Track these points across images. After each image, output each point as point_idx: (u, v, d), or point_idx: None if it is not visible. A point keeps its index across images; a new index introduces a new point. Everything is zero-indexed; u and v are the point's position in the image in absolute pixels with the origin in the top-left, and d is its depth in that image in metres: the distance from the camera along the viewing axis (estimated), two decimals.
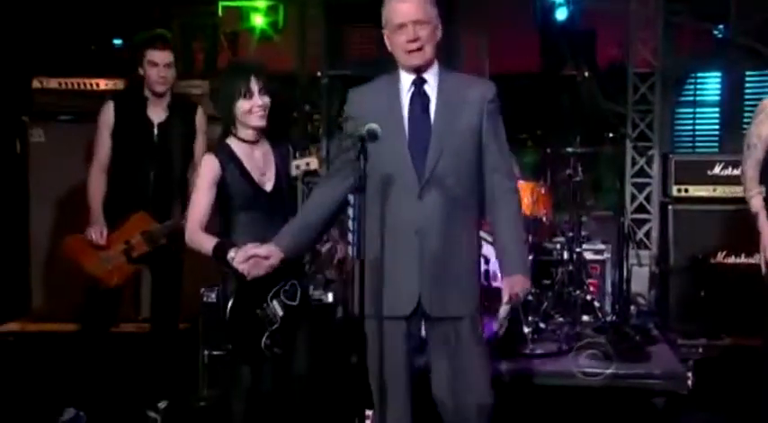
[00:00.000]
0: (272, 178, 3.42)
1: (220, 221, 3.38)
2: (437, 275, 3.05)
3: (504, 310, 3.10)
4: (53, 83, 5.76)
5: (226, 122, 3.39)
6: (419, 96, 3.10)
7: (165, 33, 4.27)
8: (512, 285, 3.06)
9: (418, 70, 3.09)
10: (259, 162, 3.40)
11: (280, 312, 3.33)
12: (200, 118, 4.33)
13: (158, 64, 4.14)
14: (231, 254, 3.20)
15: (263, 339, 3.29)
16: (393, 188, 3.04)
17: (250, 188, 3.35)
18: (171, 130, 4.24)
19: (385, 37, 3.13)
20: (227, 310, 3.27)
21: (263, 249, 3.15)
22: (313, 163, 4.04)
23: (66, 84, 5.75)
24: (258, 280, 3.22)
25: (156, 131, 4.22)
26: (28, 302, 5.80)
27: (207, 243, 3.27)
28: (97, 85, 5.75)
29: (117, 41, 7.08)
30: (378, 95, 3.15)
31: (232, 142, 3.38)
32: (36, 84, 5.78)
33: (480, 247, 3.28)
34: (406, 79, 3.11)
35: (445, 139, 3.04)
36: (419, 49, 3.03)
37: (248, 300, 3.30)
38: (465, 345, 3.09)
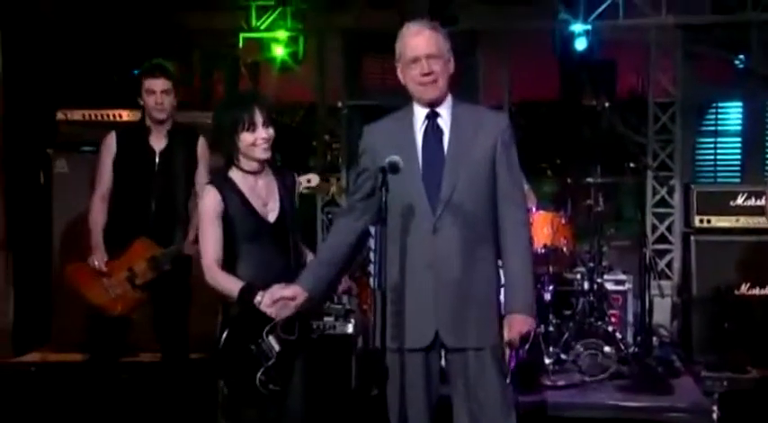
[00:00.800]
0: (276, 208, 3.36)
1: (224, 253, 3.31)
2: (454, 307, 3.04)
3: (506, 352, 3.08)
4: (77, 115, 5.83)
5: (228, 153, 3.34)
6: (433, 130, 3.12)
7: (162, 62, 4.29)
8: (510, 326, 3.05)
9: (432, 104, 3.12)
10: (262, 192, 3.35)
11: (276, 347, 3.24)
12: (201, 146, 4.34)
13: (155, 91, 4.17)
14: (258, 298, 3.17)
15: (258, 375, 3.20)
16: (408, 221, 3.05)
17: (253, 219, 3.30)
18: (172, 158, 4.25)
19: (398, 71, 3.17)
20: (220, 344, 3.22)
21: (288, 291, 3.16)
22: (314, 179, 4.00)
23: (89, 115, 5.82)
24: (255, 314, 3.19)
25: (157, 159, 4.24)
26: (49, 332, 5.81)
27: (231, 286, 3.22)
28: (120, 116, 5.79)
29: (138, 72, 7.14)
30: (392, 130, 3.19)
31: (234, 173, 3.33)
32: (60, 116, 5.84)
33: (499, 276, 3.24)
34: (420, 113, 3.14)
35: (459, 171, 3.05)
36: (433, 82, 3.07)
37: (243, 334, 3.23)
38: (486, 376, 3.07)
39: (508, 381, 3.12)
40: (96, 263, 4.14)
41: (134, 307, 4.20)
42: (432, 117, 3.13)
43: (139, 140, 4.26)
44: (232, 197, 3.27)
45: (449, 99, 3.16)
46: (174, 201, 4.26)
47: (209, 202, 3.27)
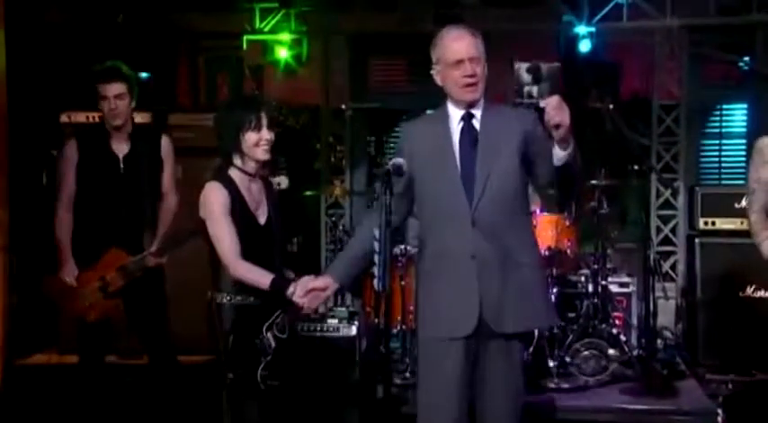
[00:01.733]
0: (265, 213, 3.42)
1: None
2: (497, 295, 3.17)
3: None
4: (81, 117, 5.82)
5: (227, 152, 3.37)
6: (468, 130, 3.26)
7: (116, 64, 4.18)
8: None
9: (469, 105, 3.26)
10: (255, 195, 3.40)
11: (273, 344, 3.32)
12: (165, 146, 4.28)
13: (108, 97, 4.08)
14: (291, 289, 3.24)
15: (259, 370, 3.27)
16: (448, 217, 3.20)
17: (247, 220, 3.35)
18: (137, 162, 4.18)
19: (435, 72, 3.29)
20: (229, 341, 3.27)
21: (319, 281, 3.29)
22: (283, 182, 4.00)
23: (93, 117, 5.81)
24: (254, 311, 3.27)
25: (122, 165, 4.16)
26: (54, 334, 5.81)
27: (262, 278, 3.26)
28: None
29: (143, 75, 7.16)
30: (430, 129, 3.33)
31: (233, 172, 3.36)
32: (64, 118, 5.85)
33: (540, 263, 3.41)
34: (456, 114, 3.28)
35: (491, 166, 3.18)
36: (475, 85, 3.20)
37: (247, 330, 3.30)
38: (512, 363, 3.25)
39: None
40: (67, 278, 4.14)
41: (108, 313, 4.18)
42: (467, 118, 3.27)
43: (101, 146, 4.16)
44: (233, 195, 3.31)
45: (482, 100, 3.30)
46: (143, 205, 4.20)
47: (218, 197, 3.28)
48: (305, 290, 3.24)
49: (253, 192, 3.39)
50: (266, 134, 3.32)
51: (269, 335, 3.31)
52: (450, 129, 3.27)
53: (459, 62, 3.17)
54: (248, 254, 3.31)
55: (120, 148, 4.18)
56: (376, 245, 3.02)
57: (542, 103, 2.94)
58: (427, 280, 3.29)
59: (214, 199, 3.29)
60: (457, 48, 3.18)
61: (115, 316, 4.24)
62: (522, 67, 3.06)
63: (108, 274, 4.11)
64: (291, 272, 3.53)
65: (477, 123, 3.26)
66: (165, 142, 4.28)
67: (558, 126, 2.91)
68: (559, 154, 2.99)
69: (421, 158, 3.23)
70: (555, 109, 2.90)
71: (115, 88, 4.08)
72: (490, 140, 3.22)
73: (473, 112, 3.26)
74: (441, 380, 3.18)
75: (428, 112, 3.44)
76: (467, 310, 3.16)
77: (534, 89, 3.10)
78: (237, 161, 3.36)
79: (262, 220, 3.40)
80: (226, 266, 3.29)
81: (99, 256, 4.14)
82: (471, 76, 3.17)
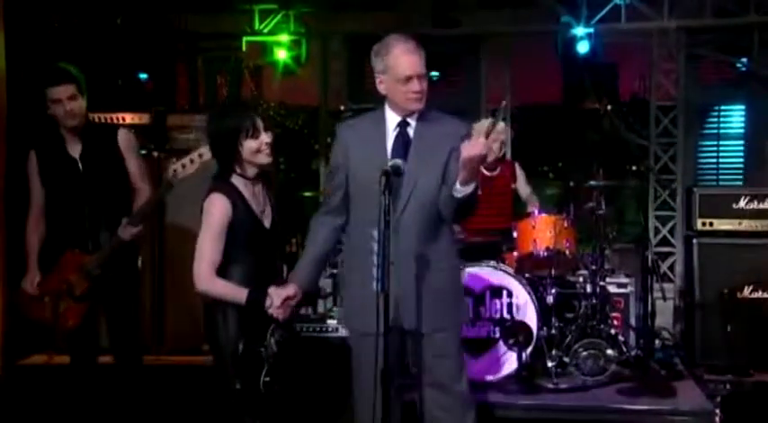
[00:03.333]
0: (270, 215, 3.38)
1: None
2: (411, 297, 3.29)
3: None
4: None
5: (226, 160, 3.31)
6: (401, 137, 3.35)
7: (63, 66, 4.10)
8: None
9: (408, 113, 3.34)
10: (259, 199, 3.35)
11: (275, 349, 3.28)
12: (123, 140, 4.18)
13: (61, 99, 4.01)
14: (267, 302, 3.23)
15: (262, 377, 3.23)
16: (373, 220, 3.15)
17: (254, 226, 3.31)
18: (94, 160, 4.11)
19: (379, 81, 3.35)
20: (240, 349, 3.23)
21: (290, 290, 3.29)
22: (206, 153, 3.63)
23: (93, 118, 5.80)
24: (260, 317, 3.22)
25: (80, 165, 4.10)
26: (52, 334, 5.80)
27: (234, 292, 3.23)
28: (123, 119, 5.79)
29: (143, 76, 7.17)
30: (366, 130, 3.42)
31: (235, 180, 3.30)
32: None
33: (459, 271, 3.60)
34: (392, 119, 3.37)
35: (418, 176, 3.28)
36: (421, 99, 3.30)
37: (253, 336, 3.25)
38: (443, 358, 3.38)
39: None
40: (27, 286, 4.11)
41: (84, 316, 4.10)
42: (403, 125, 3.36)
43: (57, 151, 4.12)
44: (238, 204, 3.26)
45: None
46: (105, 203, 4.11)
47: (220, 211, 3.23)
48: (281, 301, 3.24)
49: (257, 196, 3.35)
50: (265, 138, 3.28)
51: (272, 340, 3.28)
52: (385, 133, 3.36)
53: (410, 78, 3.25)
54: (251, 258, 3.28)
55: (75, 149, 4.12)
56: (375, 246, 3.03)
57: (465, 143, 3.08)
58: (349, 274, 3.47)
59: (215, 211, 3.24)
60: (408, 63, 3.25)
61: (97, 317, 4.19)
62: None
63: (70, 277, 4.05)
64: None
65: (411, 131, 3.34)
66: (123, 136, 4.19)
67: (470, 159, 3.03)
68: (458, 188, 3.13)
69: (354, 160, 3.35)
70: (474, 145, 3.03)
71: (66, 90, 4.00)
72: (421, 150, 3.31)
73: (409, 120, 3.35)
74: (363, 372, 3.32)
75: (366, 114, 3.53)
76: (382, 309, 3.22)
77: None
78: (239, 168, 3.31)
79: (267, 223, 3.36)
80: (195, 281, 3.25)
81: (57, 260, 4.10)
82: (419, 92, 3.26)
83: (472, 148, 3.03)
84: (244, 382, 3.24)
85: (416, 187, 3.28)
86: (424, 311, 3.32)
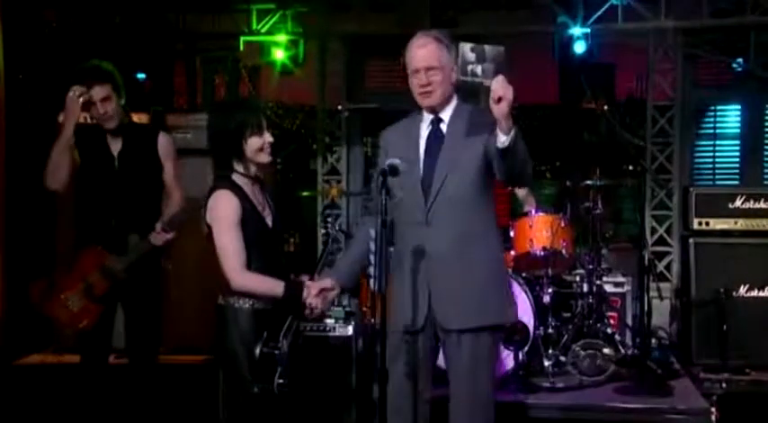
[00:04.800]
0: (270, 213, 3.38)
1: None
2: (446, 293, 3.27)
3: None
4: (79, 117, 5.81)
5: (227, 159, 3.29)
6: (435, 134, 3.36)
7: (96, 64, 4.04)
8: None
9: (434, 110, 3.35)
10: (259, 198, 3.34)
11: (287, 351, 3.24)
12: (163, 144, 4.14)
13: (95, 102, 3.96)
14: (305, 293, 3.25)
15: (276, 379, 3.20)
16: (409, 218, 3.31)
17: (259, 225, 3.30)
18: (131, 160, 4.06)
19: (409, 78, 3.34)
20: (257, 352, 3.19)
21: (327, 282, 3.34)
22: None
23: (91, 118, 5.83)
24: (271, 317, 3.22)
25: (116, 163, 4.05)
26: (51, 334, 5.82)
27: (271, 285, 3.23)
28: None
29: (141, 76, 7.17)
30: (403, 133, 3.44)
31: (238, 179, 3.29)
32: (62, 118, 5.83)
33: (498, 265, 3.46)
34: (427, 118, 3.39)
35: (450, 168, 3.27)
36: (430, 93, 3.28)
37: (268, 338, 3.23)
38: (476, 358, 3.29)
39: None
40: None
41: (100, 317, 4.03)
42: (435, 122, 3.36)
43: (97, 145, 4.07)
44: (244, 203, 3.24)
45: (452, 104, 3.37)
46: (136, 204, 4.06)
47: (230, 206, 3.21)
48: (317, 291, 3.27)
49: (257, 195, 3.34)
50: (268, 137, 3.28)
51: (284, 342, 3.23)
52: (420, 133, 3.38)
53: (417, 71, 3.27)
54: (262, 258, 3.27)
55: (116, 146, 4.07)
56: (372, 245, 3.04)
57: (488, 82, 3.00)
58: (392, 277, 3.39)
59: (225, 207, 3.21)
60: (416, 56, 3.28)
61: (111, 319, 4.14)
62: (466, 46, 3.08)
63: (89, 275, 3.99)
64: (305, 276, 3.45)
65: (444, 127, 3.35)
66: (163, 140, 4.16)
67: (500, 99, 2.94)
68: (501, 138, 3.02)
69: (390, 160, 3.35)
70: (499, 83, 2.95)
71: (100, 92, 3.95)
72: (454, 145, 3.30)
73: (441, 116, 3.35)
74: (396, 371, 3.25)
75: (408, 116, 3.51)
76: (417, 306, 3.26)
77: (478, 68, 3.11)
78: (239, 167, 3.30)
79: (269, 221, 3.35)
80: (230, 279, 3.21)
81: (79, 257, 4.04)
82: (425, 85, 3.27)
83: (495, 93, 2.95)
84: (261, 387, 3.21)
85: (445, 183, 3.27)
86: (461, 308, 3.27)
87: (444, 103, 3.34)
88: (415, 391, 3.30)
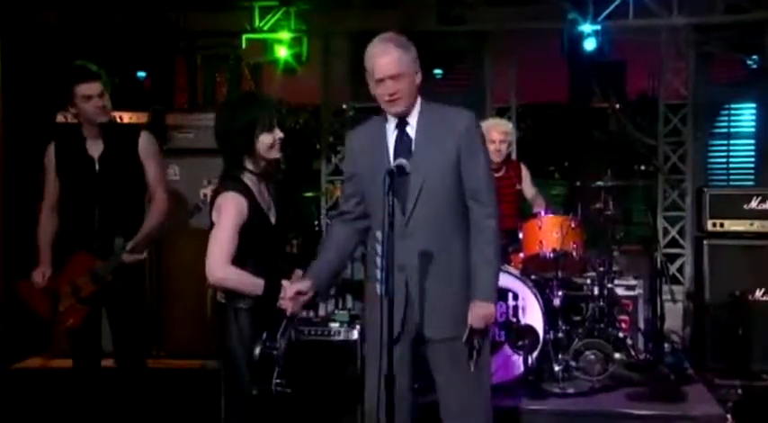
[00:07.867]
0: (274, 212, 3.36)
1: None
2: (422, 303, 3.23)
3: (465, 335, 3.23)
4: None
5: (237, 156, 3.26)
6: (402, 138, 3.29)
7: (89, 65, 4.06)
8: (471, 315, 3.21)
9: (399, 115, 3.28)
10: (265, 195, 3.33)
11: (284, 351, 3.23)
12: (144, 144, 4.11)
13: (92, 96, 3.98)
14: (282, 294, 3.21)
15: (274, 379, 3.18)
16: (380, 226, 3.12)
17: (265, 224, 3.28)
18: (111, 162, 4.06)
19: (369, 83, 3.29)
20: (256, 353, 3.16)
21: (302, 285, 3.26)
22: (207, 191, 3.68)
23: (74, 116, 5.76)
24: (269, 317, 3.20)
25: (97, 166, 4.05)
26: (50, 337, 5.76)
27: (254, 280, 3.19)
28: (121, 118, 5.73)
29: (141, 74, 7.12)
30: (368, 137, 3.38)
31: (245, 178, 3.27)
32: (60, 118, 5.77)
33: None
34: (392, 121, 3.32)
35: (425, 175, 3.21)
36: (397, 101, 3.23)
37: (266, 338, 3.21)
38: (458, 366, 3.26)
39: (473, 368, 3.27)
40: (37, 278, 4.05)
41: (85, 318, 4.05)
42: (401, 126, 3.30)
43: (76, 149, 4.07)
44: (252, 204, 3.22)
45: (417, 105, 3.30)
46: (118, 206, 4.06)
47: (237, 210, 3.18)
48: (292, 294, 3.21)
49: (263, 193, 3.31)
50: (278, 133, 3.26)
51: (281, 342, 3.22)
52: (386, 137, 3.30)
53: (381, 81, 3.20)
54: (262, 255, 3.25)
55: (96, 149, 4.07)
56: (378, 248, 2.98)
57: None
58: (367, 284, 3.40)
59: (232, 210, 3.18)
60: (378, 65, 3.20)
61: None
62: None
63: (77, 279, 4.01)
64: (299, 270, 3.44)
65: (411, 130, 3.28)
66: (144, 140, 4.13)
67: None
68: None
69: (361, 167, 3.32)
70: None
71: (97, 87, 3.99)
72: (424, 148, 3.24)
73: (407, 119, 3.28)
74: (372, 379, 3.20)
75: (371, 119, 3.45)
76: (394, 315, 3.10)
77: None
78: (249, 164, 3.27)
79: (273, 219, 3.34)
80: (209, 270, 3.17)
81: (66, 259, 4.06)
82: (391, 93, 3.20)
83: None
84: (261, 388, 3.18)
85: (424, 187, 3.21)
86: (439, 317, 3.24)
87: (409, 108, 3.28)
88: (391, 402, 3.11)
